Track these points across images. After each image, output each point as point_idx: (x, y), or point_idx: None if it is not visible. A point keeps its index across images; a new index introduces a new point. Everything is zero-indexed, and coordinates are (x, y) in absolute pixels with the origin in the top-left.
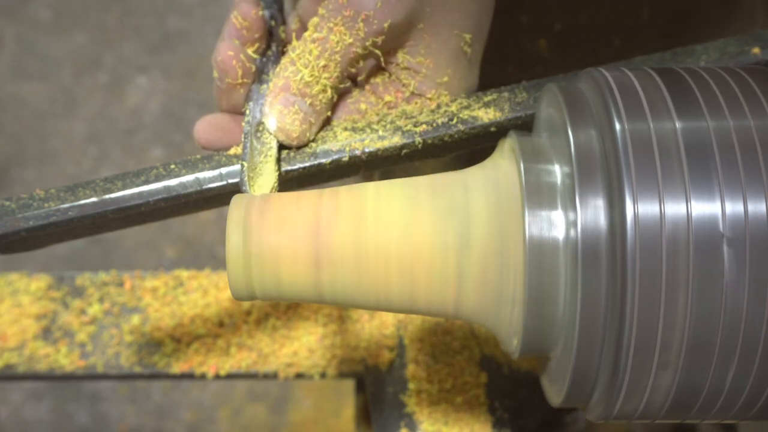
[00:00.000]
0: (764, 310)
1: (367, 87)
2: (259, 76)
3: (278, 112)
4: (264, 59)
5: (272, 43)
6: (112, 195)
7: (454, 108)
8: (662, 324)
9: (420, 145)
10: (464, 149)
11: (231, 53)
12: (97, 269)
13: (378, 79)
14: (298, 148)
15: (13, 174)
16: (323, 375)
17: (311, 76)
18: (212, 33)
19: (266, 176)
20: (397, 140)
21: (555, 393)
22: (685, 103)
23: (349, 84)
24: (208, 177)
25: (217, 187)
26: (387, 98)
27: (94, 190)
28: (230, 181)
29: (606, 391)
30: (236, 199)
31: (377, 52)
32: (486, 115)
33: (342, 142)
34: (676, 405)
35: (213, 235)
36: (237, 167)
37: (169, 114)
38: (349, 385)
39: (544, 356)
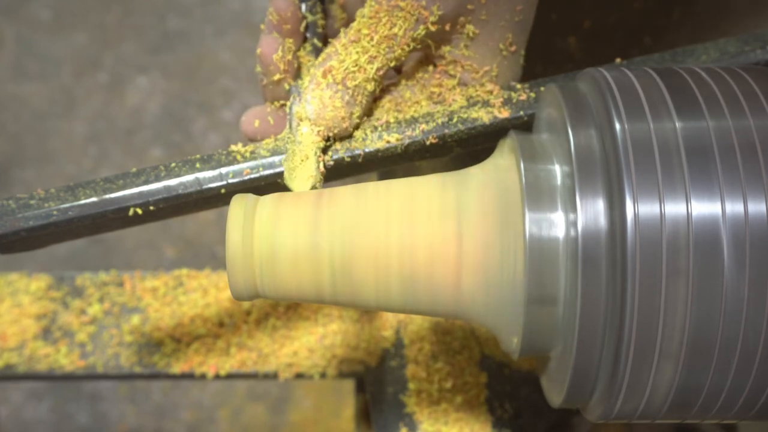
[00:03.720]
0: (764, 310)
1: (414, 76)
2: (300, 71)
3: (318, 99)
4: (309, 52)
5: (311, 36)
6: (112, 195)
7: (454, 108)
8: (662, 324)
9: (420, 145)
10: (464, 149)
11: (271, 47)
12: (97, 269)
13: (423, 70)
14: (339, 140)
15: (13, 174)
16: (323, 375)
17: (356, 66)
18: (212, 33)
19: (306, 171)
20: (397, 140)
21: (555, 393)
22: (685, 103)
23: (394, 74)
24: (208, 177)
25: (217, 187)
26: (432, 88)
27: (94, 190)
28: (230, 181)
29: (606, 391)
30: (236, 199)
31: (428, 42)
32: (486, 115)
33: (342, 142)
34: (676, 405)
35: (213, 235)
36: (237, 167)
37: (169, 114)
38: (349, 385)
39: (544, 356)
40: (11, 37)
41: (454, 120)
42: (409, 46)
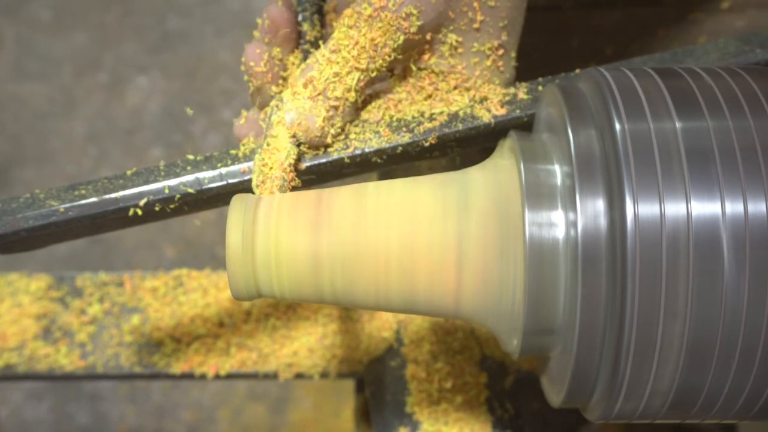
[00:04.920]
0: (764, 310)
1: (408, 79)
2: (288, 79)
3: (299, 109)
4: (300, 60)
5: (303, 44)
6: (112, 195)
7: (454, 108)
8: (662, 324)
9: (420, 145)
10: (464, 149)
11: (255, 56)
12: (97, 269)
13: (416, 75)
14: (316, 148)
15: (13, 174)
16: (323, 375)
17: (336, 76)
18: (212, 33)
19: (276, 179)
20: (397, 140)
21: (555, 393)
22: (685, 103)
23: (387, 75)
24: (208, 177)
25: (217, 187)
26: (426, 91)
27: (95, 189)
28: (230, 181)
29: (606, 391)
30: (236, 199)
31: (411, 52)
32: (486, 115)
33: (341, 142)
34: (676, 405)
35: (213, 235)
36: (237, 167)
37: (169, 114)
38: (349, 385)
39: (544, 356)
40: (11, 37)
41: (454, 120)
42: (390, 56)
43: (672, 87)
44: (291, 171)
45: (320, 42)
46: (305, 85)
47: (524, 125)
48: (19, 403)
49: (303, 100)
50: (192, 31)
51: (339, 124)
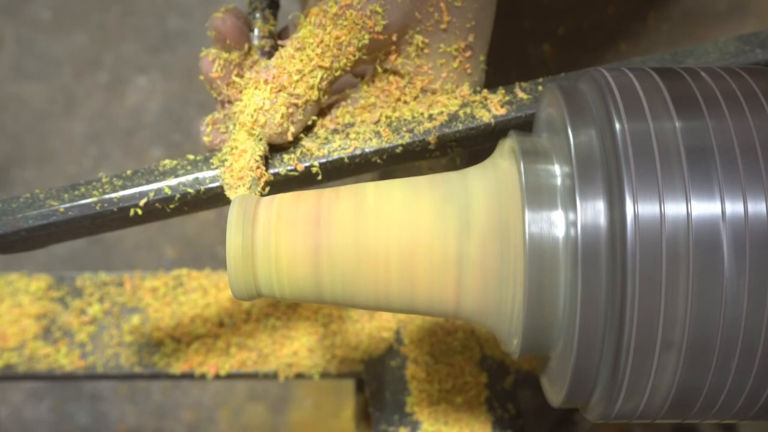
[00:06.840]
0: (764, 310)
1: (376, 83)
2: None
3: (258, 102)
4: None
5: (259, 40)
6: (112, 195)
7: (454, 108)
8: (662, 324)
9: (420, 145)
10: (464, 149)
11: (209, 66)
12: (97, 269)
13: (384, 78)
14: (281, 147)
15: (13, 174)
16: (323, 375)
17: (299, 74)
18: None
19: (246, 180)
20: (397, 140)
21: (555, 393)
22: (685, 103)
23: (357, 80)
24: (208, 177)
25: (217, 187)
26: (396, 94)
27: (95, 189)
28: None
29: (606, 391)
30: (236, 200)
31: (376, 53)
32: (486, 115)
33: (341, 142)
34: (676, 405)
35: (213, 235)
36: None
37: (169, 114)
38: (349, 385)
39: (544, 356)
40: (11, 37)
41: (454, 120)
42: (354, 55)
43: (672, 87)
44: (259, 168)
45: (274, 35)
46: (266, 81)
47: (524, 125)
48: (19, 403)
49: (263, 96)
50: (192, 31)
51: (300, 122)
